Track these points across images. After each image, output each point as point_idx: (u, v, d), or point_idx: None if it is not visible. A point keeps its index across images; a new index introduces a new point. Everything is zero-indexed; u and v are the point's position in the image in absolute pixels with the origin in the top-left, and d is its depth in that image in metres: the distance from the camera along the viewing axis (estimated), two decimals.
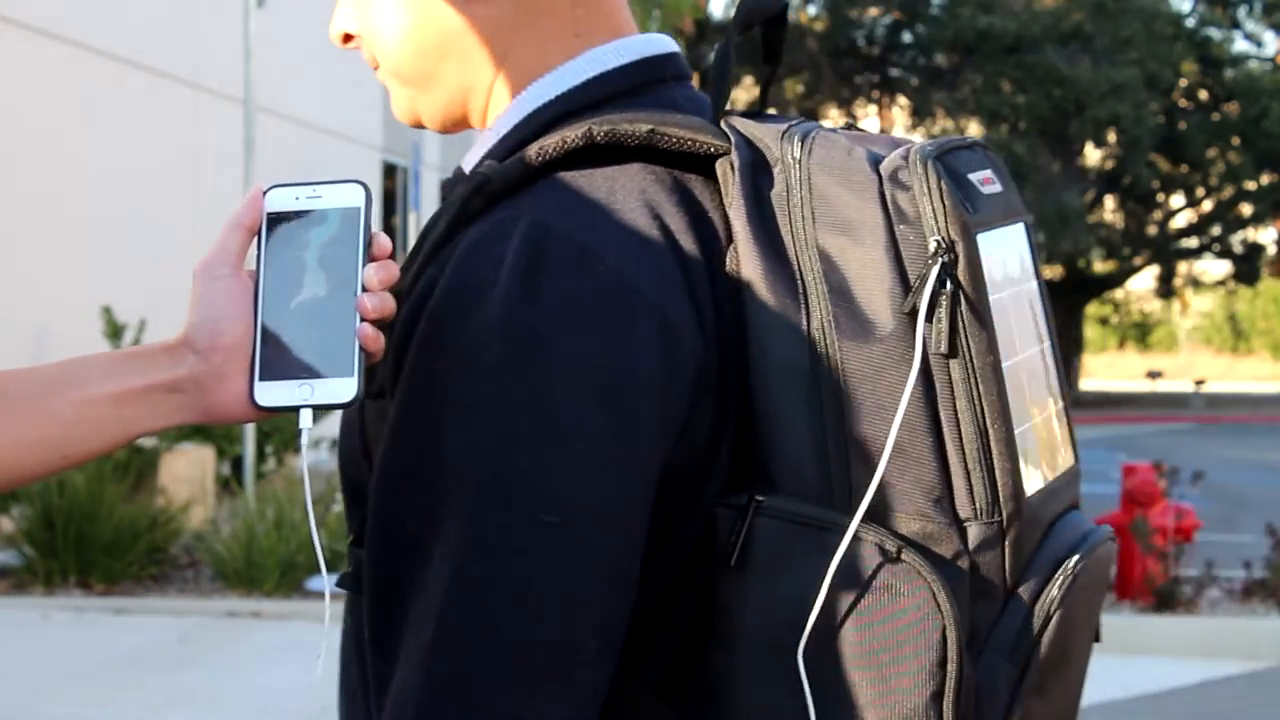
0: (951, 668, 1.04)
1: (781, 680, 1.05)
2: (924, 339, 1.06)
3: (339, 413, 1.14)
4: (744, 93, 30.86)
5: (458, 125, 1.25)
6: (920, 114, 30.52)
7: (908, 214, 1.08)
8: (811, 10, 31.38)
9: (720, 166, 1.12)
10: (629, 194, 1.09)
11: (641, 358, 1.03)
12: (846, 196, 1.08)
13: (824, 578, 1.03)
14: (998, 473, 1.08)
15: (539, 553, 1.01)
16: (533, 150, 1.10)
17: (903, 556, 1.04)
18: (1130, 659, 7.10)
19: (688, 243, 1.09)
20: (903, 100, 31.65)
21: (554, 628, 1.01)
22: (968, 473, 1.07)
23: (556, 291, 1.03)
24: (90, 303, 10.50)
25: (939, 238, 1.07)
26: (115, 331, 10.18)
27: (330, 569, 8.20)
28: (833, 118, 31.92)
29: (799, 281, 1.07)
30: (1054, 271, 33.18)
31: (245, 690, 6.38)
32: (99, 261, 11.21)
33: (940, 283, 1.06)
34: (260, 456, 10.89)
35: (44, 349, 10.26)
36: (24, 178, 10.49)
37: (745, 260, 1.08)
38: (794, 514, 1.04)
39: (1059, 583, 1.12)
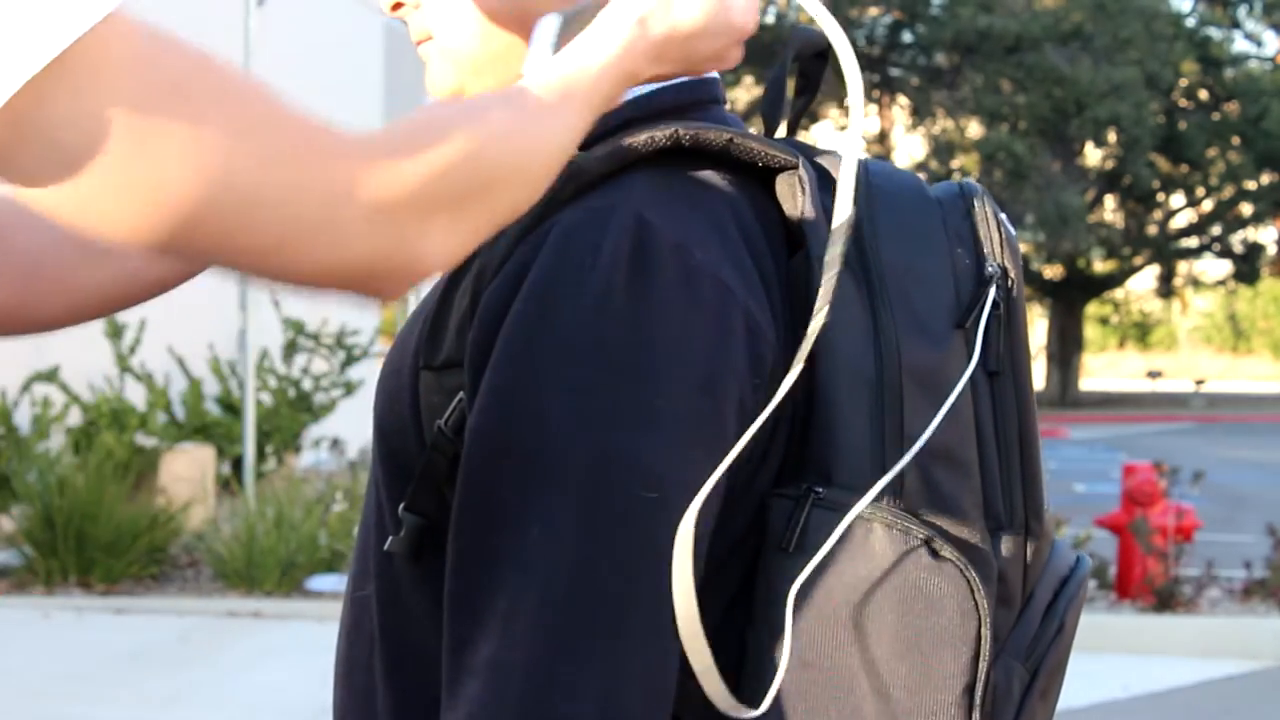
0: (984, 664, 1.10)
1: (825, 665, 1.09)
2: (978, 354, 1.15)
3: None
4: (744, 92, 30.87)
5: None
6: (920, 114, 30.52)
7: (965, 239, 1.19)
8: None
9: (788, 179, 1.17)
10: (710, 195, 1.14)
11: (732, 348, 1.08)
12: (909, 215, 1.18)
13: (874, 568, 1.09)
14: (1028, 488, 1.17)
15: (640, 527, 1.04)
16: (622, 145, 1.14)
17: (946, 554, 1.10)
18: (1130, 659, 7.10)
19: (761, 245, 1.14)
20: (903, 100, 31.66)
21: (652, 600, 1.05)
22: (1004, 485, 1.16)
23: (657, 280, 1.07)
24: None
25: (995, 264, 1.18)
26: (115, 331, 10.19)
27: (330, 568, 8.21)
28: (833, 118, 31.93)
29: (866, 290, 1.14)
30: (1054, 271, 33.20)
31: (245, 690, 6.38)
32: None
33: (994, 305, 1.16)
34: (260, 456, 10.90)
35: (44, 349, 10.27)
36: None
37: (818, 266, 1.13)
38: (846, 507, 1.09)
39: (1066, 598, 1.21)
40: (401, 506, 1.15)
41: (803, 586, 1.09)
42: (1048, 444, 21.35)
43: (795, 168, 1.17)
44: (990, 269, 1.17)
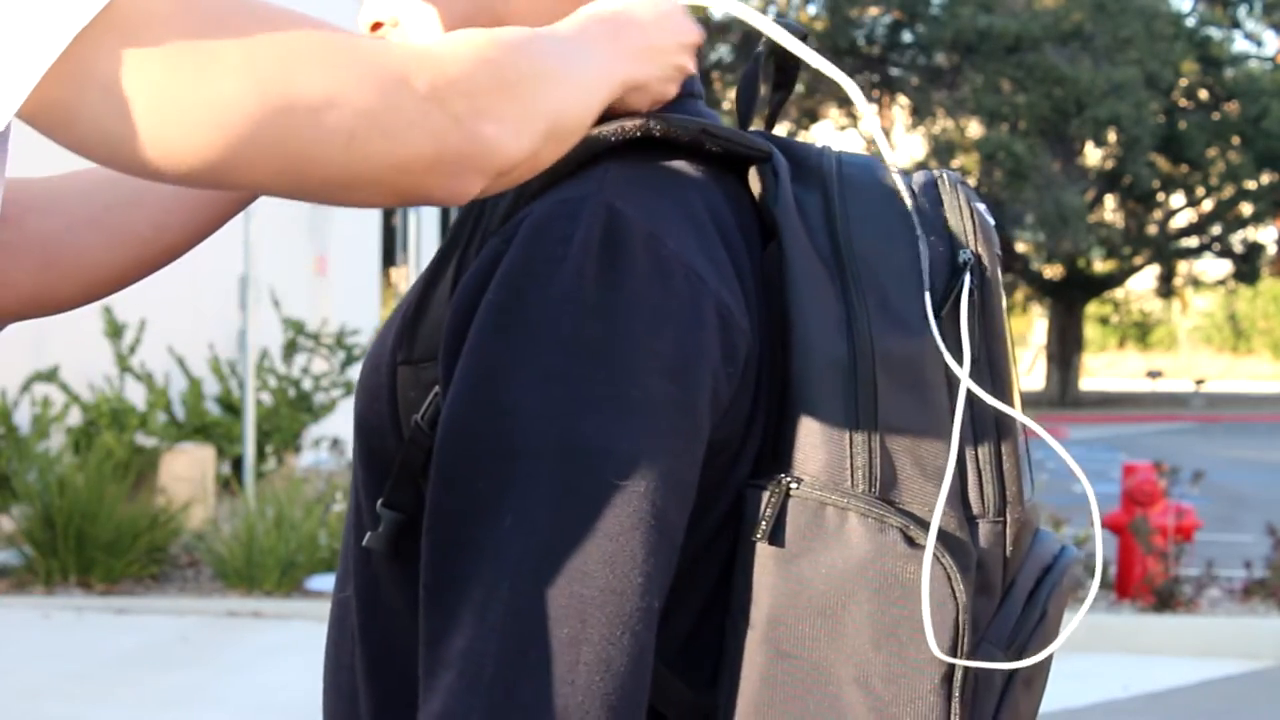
0: (963, 652, 1.10)
1: (802, 655, 1.10)
2: (951, 343, 1.14)
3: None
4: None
5: None
6: (920, 114, 30.52)
7: (939, 227, 1.18)
8: (811, 10, 31.38)
9: (761, 171, 1.18)
10: (681, 185, 1.15)
11: (705, 338, 1.08)
12: (881, 206, 1.18)
13: (850, 558, 1.09)
14: (1006, 476, 1.17)
15: (613, 514, 1.05)
16: (593, 136, 1.14)
17: (924, 543, 1.10)
18: (1130, 659, 7.10)
19: (734, 236, 1.15)
20: (903, 100, 31.65)
21: (626, 587, 1.05)
22: (980, 473, 1.15)
23: (628, 269, 1.08)
24: None
25: (969, 251, 1.17)
26: (115, 331, 10.19)
27: (330, 568, 8.20)
28: (833, 117, 31.94)
29: (839, 280, 1.14)
30: (1054, 271, 33.20)
31: (245, 690, 6.38)
32: None
33: (970, 293, 1.16)
34: (260, 456, 10.90)
35: (44, 349, 10.27)
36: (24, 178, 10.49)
37: (789, 256, 1.14)
38: (824, 498, 1.10)
39: (1049, 585, 1.20)
40: (379, 503, 1.15)
41: (779, 577, 1.10)
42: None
43: (768, 158, 1.18)
44: (964, 256, 1.17)
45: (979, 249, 1.18)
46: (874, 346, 1.12)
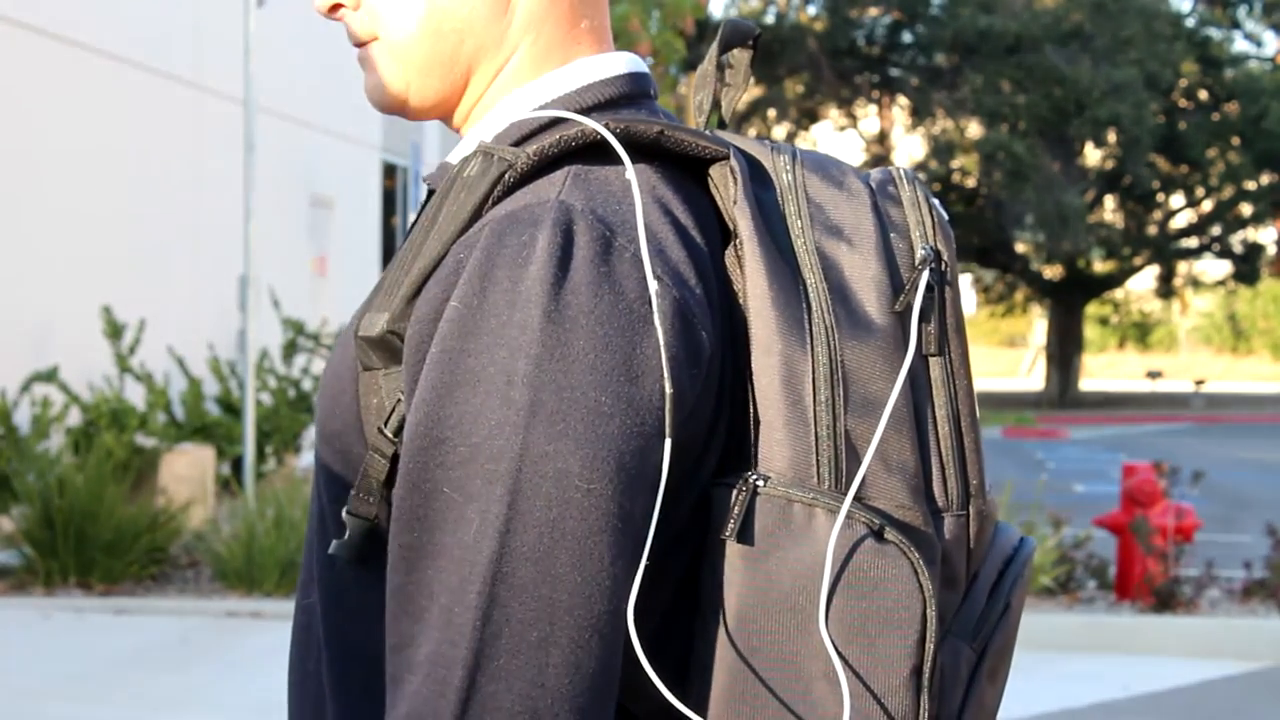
0: (930, 645, 1.10)
1: (772, 651, 1.10)
2: (914, 338, 1.15)
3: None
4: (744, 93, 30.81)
5: (436, 114, 1.28)
6: (920, 114, 30.51)
7: (898, 224, 1.19)
8: (811, 10, 31.37)
9: (719, 170, 1.18)
10: (642, 188, 1.15)
11: (666, 339, 1.09)
12: (842, 204, 1.19)
13: (818, 554, 1.10)
14: (969, 469, 1.18)
15: (579, 518, 1.05)
16: (551, 140, 1.14)
17: (889, 537, 1.11)
18: (1130, 659, 7.10)
19: (695, 236, 1.15)
20: (903, 100, 31.64)
21: (595, 589, 1.06)
22: (943, 466, 1.16)
23: (590, 274, 1.08)
24: (90, 302, 10.50)
25: (928, 246, 1.17)
26: (115, 331, 10.18)
27: None
28: (833, 118, 31.91)
29: (800, 279, 1.14)
30: (1054, 271, 33.18)
31: (245, 690, 6.38)
32: (99, 261, 11.21)
33: (929, 287, 1.16)
34: (260, 456, 10.89)
35: (44, 349, 10.27)
36: (24, 178, 10.49)
37: (749, 256, 1.14)
38: (791, 495, 1.10)
39: (1011, 577, 1.23)
40: (345, 510, 1.16)
41: (748, 574, 1.10)
42: (1048, 444, 21.37)
43: (727, 158, 1.18)
44: (923, 251, 1.17)
45: (938, 245, 1.18)
46: (836, 344, 1.13)
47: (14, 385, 9.76)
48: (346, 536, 1.16)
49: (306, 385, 11.59)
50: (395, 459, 1.12)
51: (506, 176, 1.13)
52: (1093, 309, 38.40)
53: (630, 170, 1.13)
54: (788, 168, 1.19)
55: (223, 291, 11.74)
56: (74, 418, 10.07)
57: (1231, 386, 41.27)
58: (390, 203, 17.87)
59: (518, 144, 1.19)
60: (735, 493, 1.10)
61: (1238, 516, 12.42)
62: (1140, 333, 45.45)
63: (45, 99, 10.73)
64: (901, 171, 1.22)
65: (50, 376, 9.70)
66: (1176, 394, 35.05)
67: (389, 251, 17.70)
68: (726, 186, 1.17)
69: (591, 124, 1.15)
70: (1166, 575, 7.59)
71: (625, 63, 1.26)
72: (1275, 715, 6.41)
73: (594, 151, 1.15)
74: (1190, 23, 31.20)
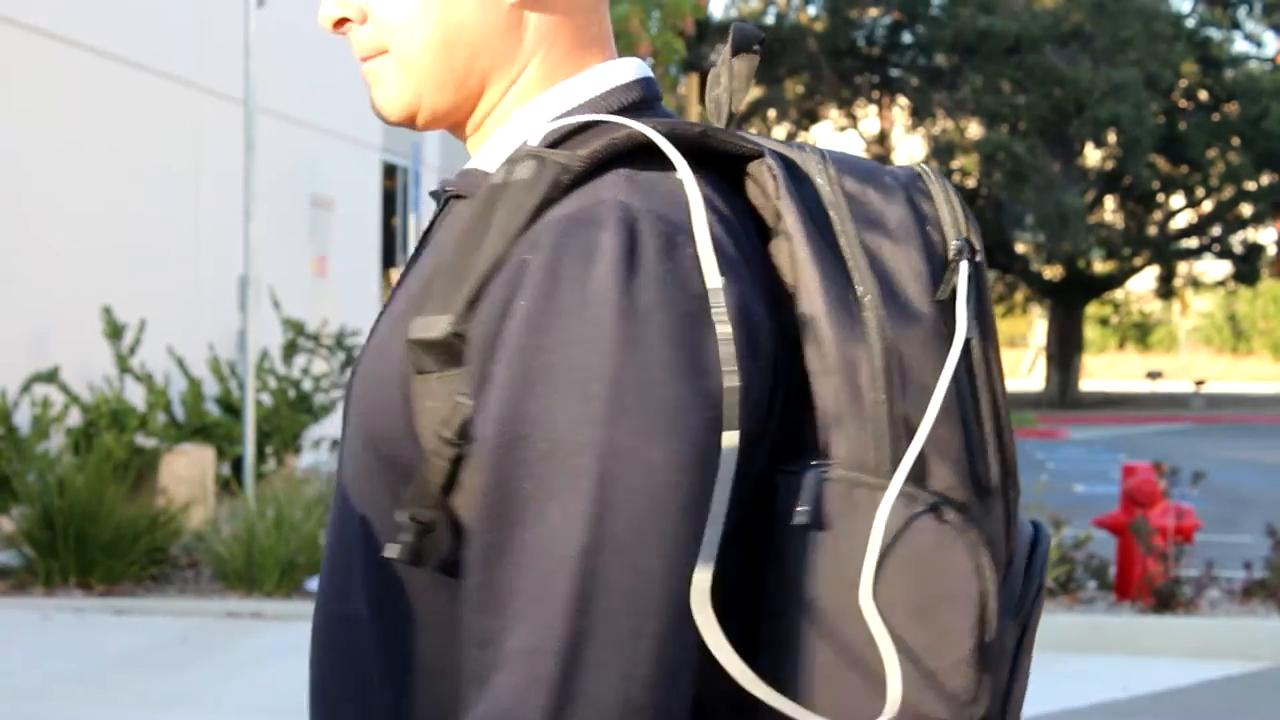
0: (991, 622, 1.14)
1: (839, 633, 1.13)
2: (951, 328, 1.19)
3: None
4: None
5: (445, 124, 1.29)
6: (920, 114, 30.51)
7: (930, 217, 1.23)
8: (811, 10, 31.37)
9: (757, 168, 1.21)
10: (689, 186, 1.16)
11: (732, 334, 1.11)
12: (877, 199, 1.22)
13: (880, 537, 1.12)
14: (1006, 452, 1.21)
15: (661, 510, 1.08)
16: (601, 144, 1.16)
17: (948, 518, 1.14)
18: (1130, 659, 7.10)
19: (739, 233, 1.18)
20: (903, 100, 31.64)
21: (679, 580, 1.08)
22: (985, 450, 1.19)
23: (657, 271, 1.11)
24: (90, 303, 10.50)
25: (962, 237, 1.22)
26: (115, 331, 10.18)
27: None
28: (833, 118, 31.91)
29: (849, 271, 1.18)
30: (1054, 272, 33.18)
31: (245, 690, 6.38)
32: (99, 262, 11.21)
33: (967, 276, 1.20)
34: (260, 457, 10.89)
35: (44, 349, 10.27)
36: (24, 179, 10.49)
37: (799, 249, 1.17)
38: (853, 480, 1.13)
39: (1040, 556, 1.27)
40: (407, 514, 1.16)
41: (815, 558, 1.12)
42: (1048, 445, 21.36)
43: (763, 156, 1.20)
44: (958, 242, 1.21)
45: (970, 236, 1.22)
46: (888, 333, 1.16)
47: (14, 385, 9.76)
48: (406, 539, 1.15)
49: (306, 385, 11.59)
50: (457, 461, 1.13)
51: (562, 179, 1.15)
52: (1093, 309, 38.40)
53: (685, 170, 1.15)
54: (820, 165, 1.22)
55: (223, 291, 11.73)
56: (74, 418, 10.07)
57: (1231, 387, 41.28)
58: (390, 203, 17.87)
59: (553, 147, 1.20)
60: (803, 479, 1.13)
61: (1238, 516, 12.42)
62: (1140, 333, 45.45)
63: (45, 99, 10.73)
64: (925, 168, 1.26)
65: (50, 377, 9.70)
66: (1176, 394, 35.05)
67: (389, 252, 17.70)
68: (765, 183, 1.20)
69: (639, 126, 1.17)
70: (1166, 575, 7.59)
71: (635, 68, 1.29)
72: (1275, 715, 6.41)
73: (637, 154, 1.17)
74: (1190, 23, 31.19)
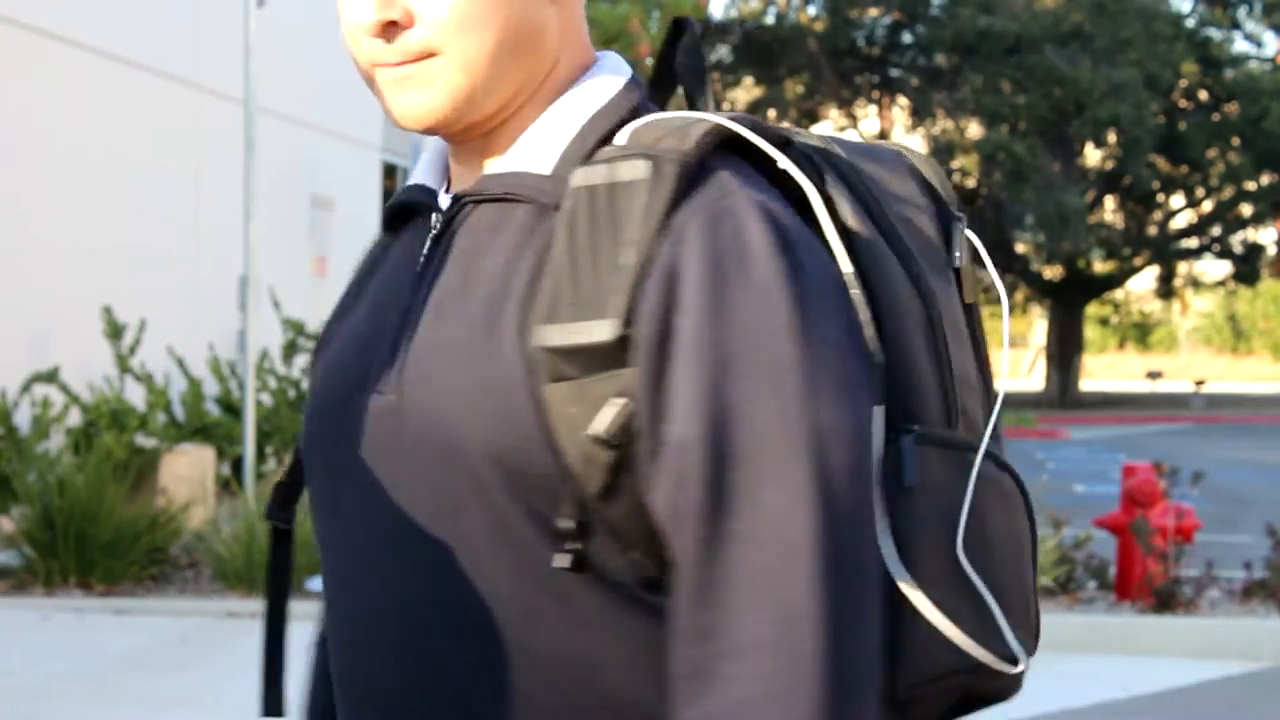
0: (1036, 560, 1.30)
1: (947, 581, 1.20)
2: (966, 288, 1.30)
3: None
4: (744, 93, 30.85)
5: (468, 126, 1.25)
6: (920, 114, 30.50)
7: (925, 189, 1.31)
8: (811, 10, 31.37)
9: (794, 155, 1.25)
10: (751, 181, 1.20)
11: (852, 313, 1.19)
12: (890, 179, 1.29)
13: (971, 491, 1.21)
14: (997, 404, 1.31)
15: (858, 484, 1.14)
16: (700, 141, 1.18)
17: (1006, 465, 1.27)
18: (1130, 659, 7.10)
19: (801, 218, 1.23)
20: (903, 100, 31.63)
21: (875, 547, 1.16)
22: (994, 402, 1.30)
23: (808, 260, 1.17)
24: (90, 303, 10.50)
25: (959, 211, 1.31)
26: (115, 331, 10.18)
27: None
28: (833, 118, 31.90)
29: (895, 243, 1.24)
30: (1054, 271, 33.17)
31: (245, 690, 6.37)
32: (99, 262, 11.21)
33: (968, 243, 1.30)
34: (260, 457, 10.89)
35: (44, 349, 10.27)
36: (24, 179, 10.49)
37: (857, 230, 1.23)
38: (944, 439, 1.21)
39: (1030, 503, 1.36)
40: (570, 521, 1.15)
41: (921, 515, 1.19)
42: (1048, 445, 21.36)
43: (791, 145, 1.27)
44: (955, 211, 1.31)
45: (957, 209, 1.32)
46: (939, 303, 1.24)
47: (14, 385, 9.76)
48: (572, 547, 1.15)
49: (306, 385, 11.58)
50: (617, 463, 1.13)
51: (685, 175, 1.17)
52: (1093, 309, 38.39)
53: (788, 162, 1.21)
54: (835, 151, 1.28)
55: (223, 291, 11.73)
56: (74, 418, 10.07)
57: (1231, 387, 41.28)
58: None
59: (594, 148, 1.22)
60: (907, 441, 1.19)
61: (1238, 516, 12.42)
62: (1140, 333, 45.45)
63: (45, 99, 10.73)
64: (902, 147, 1.35)
65: (50, 377, 9.70)
66: (1176, 394, 35.04)
67: None
68: (807, 169, 1.24)
69: (734, 126, 1.20)
70: (1166, 575, 7.59)
71: (621, 60, 1.32)
72: (1275, 715, 6.41)
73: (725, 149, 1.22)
74: (1190, 23, 31.19)
